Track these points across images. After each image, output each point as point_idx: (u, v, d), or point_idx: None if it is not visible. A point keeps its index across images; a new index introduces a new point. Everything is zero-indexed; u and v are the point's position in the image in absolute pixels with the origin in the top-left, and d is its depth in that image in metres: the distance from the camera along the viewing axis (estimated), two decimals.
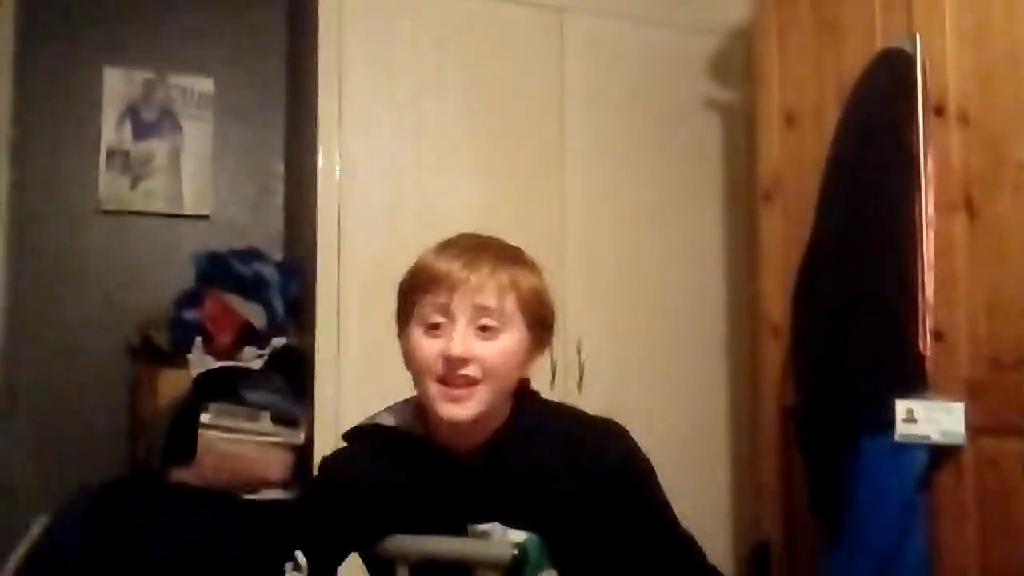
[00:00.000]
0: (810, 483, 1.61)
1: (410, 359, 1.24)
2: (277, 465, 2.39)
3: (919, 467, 1.45)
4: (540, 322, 1.25)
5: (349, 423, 2.32)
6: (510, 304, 1.21)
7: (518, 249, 1.29)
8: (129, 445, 2.72)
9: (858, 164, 1.53)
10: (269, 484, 2.37)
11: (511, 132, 2.58)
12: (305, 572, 1.21)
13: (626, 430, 1.30)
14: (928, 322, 1.48)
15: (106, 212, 2.80)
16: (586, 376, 2.52)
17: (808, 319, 1.56)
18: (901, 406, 1.43)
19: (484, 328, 1.20)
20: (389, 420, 1.32)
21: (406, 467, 1.26)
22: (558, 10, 2.63)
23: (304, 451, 2.41)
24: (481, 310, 1.19)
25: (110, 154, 2.81)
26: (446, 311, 1.19)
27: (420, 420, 1.27)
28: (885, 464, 1.42)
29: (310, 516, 1.29)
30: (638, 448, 1.29)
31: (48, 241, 2.75)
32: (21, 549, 2.27)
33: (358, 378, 2.40)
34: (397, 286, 1.28)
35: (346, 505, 1.26)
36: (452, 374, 1.18)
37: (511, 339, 1.21)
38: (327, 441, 2.34)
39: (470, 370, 1.19)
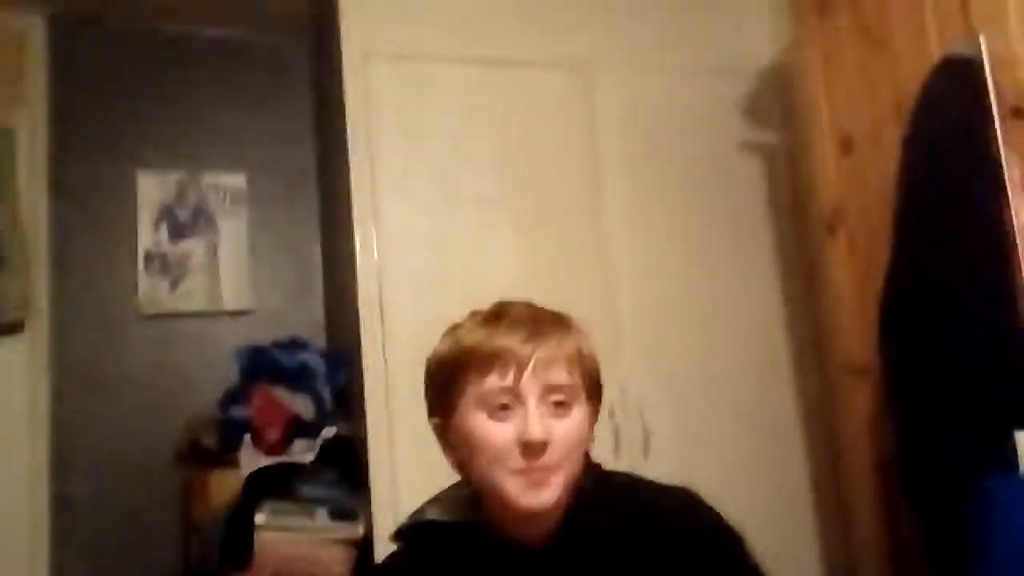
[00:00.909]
0: (925, 533, 1.45)
1: (475, 449, 1.12)
2: (337, 561, 2.27)
3: None
4: (596, 389, 1.17)
5: (408, 510, 2.27)
6: (577, 377, 1.12)
7: (567, 315, 1.19)
8: (183, 550, 2.63)
9: (935, 181, 1.42)
10: None
11: (549, 193, 2.52)
12: None
13: (700, 496, 1.19)
14: None
15: (147, 316, 2.77)
16: (652, 441, 2.39)
17: (899, 356, 1.43)
18: (1022, 437, 1.29)
19: (557, 404, 1.10)
20: (439, 514, 1.21)
21: (469, 563, 1.15)
22: (585, 67, 2.58)
23: (364, 544, 2.29)
24: (552, 388, 1.10)
25: (148, 258, 2.80)
26: (514, 392, 1.09)
27: (475, 509, 1.16)
28: (1013, 501, 1.27)
29: None
30: (718, 514, 1.18)
31: (90, 348, 2.73)
32: None
33: (413, 464, 2.28)
34: (429, 366, 1.19)
35: None
36: (532, 462, 1.08)
37: (581, 412, 1.12)
38: (387, 532, 2.21)
39: (552, 455, 1.08)
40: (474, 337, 1.13)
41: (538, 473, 1.07)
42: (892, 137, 1.61)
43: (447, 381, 1.15)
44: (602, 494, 1.16)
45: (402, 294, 2.37)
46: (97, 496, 2.64)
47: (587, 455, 1.22)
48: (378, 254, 2.38)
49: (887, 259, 1.51)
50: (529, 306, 1.17)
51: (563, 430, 1.09)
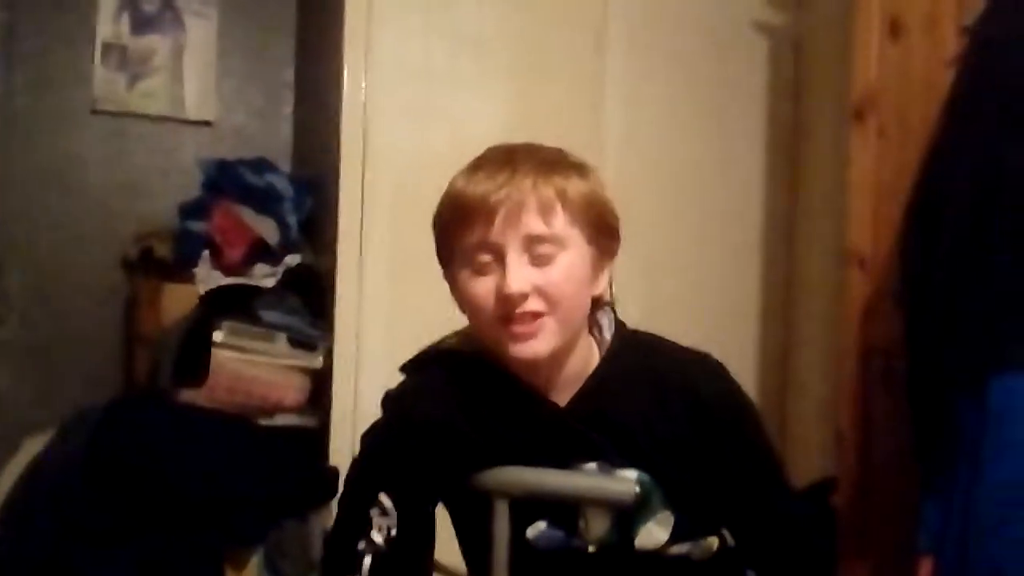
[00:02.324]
0: (915, 425, 1.51)
1: (464, 304, 1.11)
2: (293, 389, 2.24)
3: None
4: (601, 231, 1.11)
5: (371, 347, 2.24)
6: (560, 221, 1.06)
7: (558, 151, 1.13)
8: (125, 361, 2.56)
9: (1000, 77, 1.38)
10: (284, 409, 2.23)
11: (549, 41, 2.40)
12: (393, 516, 1.08)
13: (722, 365, 1.18)
14: None
15: (102, 112, 2.58)
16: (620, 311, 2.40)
17: (925, 247, 1.44)
18: None
19: (539, 255, 1.06)
20: (460, 348, 1.18)
21: (487, 401, 1.12)
22: None
23: (321, 376, 2.26)
24: (530, 238, 1.05)
25: (106, 49, 2.57)
26: (491, 246, 1.06)
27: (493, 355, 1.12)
28: (1015, 403, 1.32)
29: (386, 457, 1.14)
30: (736, 385, 1.18)
31: (39, 141, 2.53)
32: (15, 467, 2.11)
33: (382, 300, 2.24)
34: (432, 220, 1.14)
35: (424, 442, 1.12)
36: (512, 313, 1.05)
37: (571, 259, 1.07)
38: (346, 366, 2.20)
39: (532, 304, 1.05)
40: (455, 188, 1.10)
41: (523, 324, 1.05)
42: (949, 25, 1.57)
43: (440, 237, 1.13)
44: (625, 358, 1.15)
45: (387, 125, 2.26)
46: (37, 298, 2.52)
47: (610, 306, 1.20)
48: (366, 82, 2.25)
49: (929, 149, 1.49)
50: (513, 148, 1.11)
51: (546, 278, 1.05)
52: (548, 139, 2.30)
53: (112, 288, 2.57)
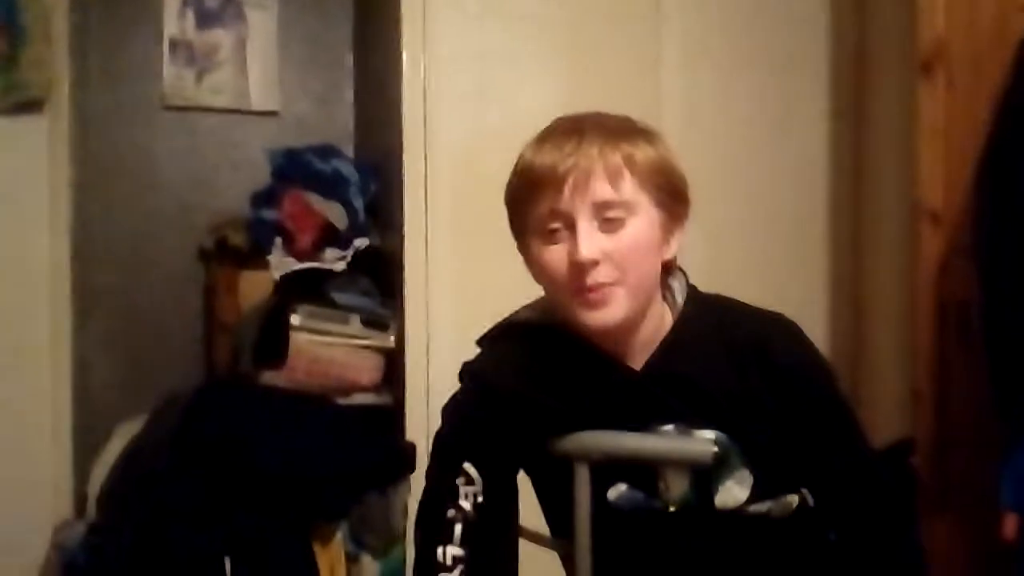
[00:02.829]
0: (993, 379, 1.49)
1: (537, 274, 1.12)
2: (368, 369, 2.30)
3: None
4: (670, 195, 1.11)
5: (440, 325, 2.29)
6: (629, 187, 1.07)
7: (625, 119, 1.13)
8: (206, 348, 2.65)
9: None
10: (360, 388, 2.29)
11: (605, 17, 2.40)
12: (479, 484, 1.11)
13: (796, 325, 1.17)
14: None
15: (172, 107, 2.66)
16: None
17: (1000, 199, 1.42)
18: None
19: (608, 220, 1.06)
20: (535, 316, 1.20)
21: (563, 369, 1.14)
22: None
23: (394, 355, 2.32)
24: (599, 204, 1.05)
25: (173, 45, 2.65)
26: (561, 214, 1.06)
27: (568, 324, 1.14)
28: None
29: (468, 428, 1.17)
30: (810, 345, 1.17)
31: (112, 136, 2.63)
32: (109, 455, 2.22)
33: (449, 278, 2.28)
34: (504, 194, 1.14)
35: (504, 412, 1.15)
36: (583, 281, 1.06)
37: (640, 225, 1.07)
38: (418, 345, 2.25)
39: (603, 272, 1.05)
40: (523, 160, 1.11)
41: (595, 292, 1.06)
42: None
43: (512, 210, 1.14)
44: (700, 320, 1.15)
45: (446, 107, 2.29)
46: (120, 291, 2.62)
47: (681, 271, 1.21)
48: (425, 65, 2.28)
49: (1001, 98, 1.46)
50: (579, 118, 1.11)
51: (616, 244, 1.06)
52: (607, 107, 2.32)
53: (190, 278, 2.65)
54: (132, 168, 2.65)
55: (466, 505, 1.11)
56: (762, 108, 2.51)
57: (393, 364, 2.32)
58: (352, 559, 2.10)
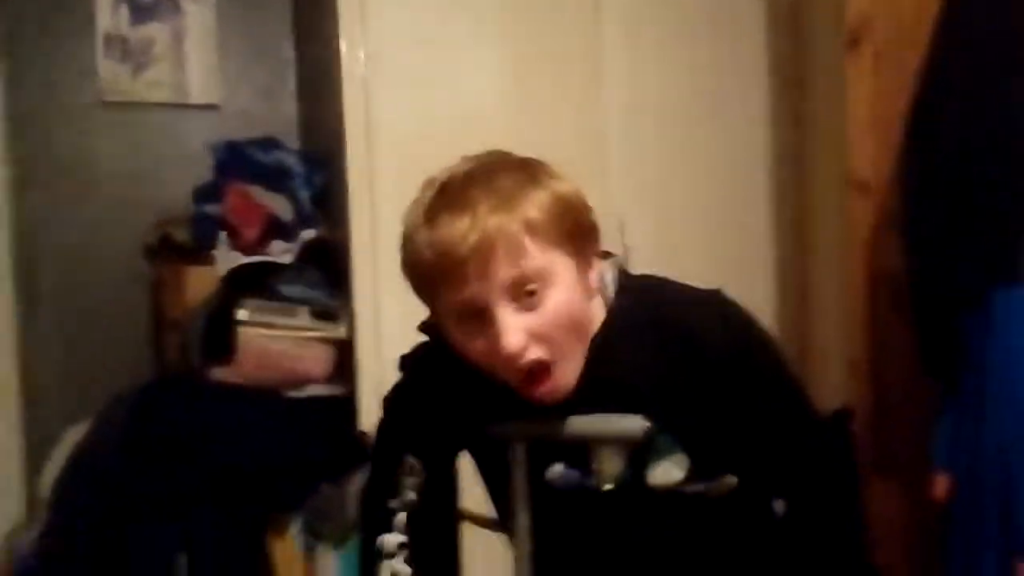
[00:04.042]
0: (923, 348, 1.52)
1: (468, 358, 1.06)
2: (319, 361, 2.30)
3: None
4: (578, 237, 1.05)
5: (390, 315, 2.29)
6: (536, 252, 0.99)
7: (512, 166, 1.04)
8: (153, 346, 2.62)
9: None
10: (312, 380, 2.29)
11: (546, 3, 2.41)
12: (420, 474, 1.12)
13: (735, 305, 1.14)
14: None
15: (110, 104, 2.62)
16: (633, 257, 2.42)
17: (924, 168, 1.45)
18: None
19: (525, 295, 1.00)
20: None
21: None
22: None
23: (345, 346, 2.32)
24: (512, 284, 0.99)
25: (108, 41, 2.61)
26: (472, 303, 0.99)
27: None
28: (1017, 319, 1.34)
29: (407, 416, 1.18)
30: (746, 321, 1.14)
31: (52, 139, 2.58)
32: (59, 457, 2.19)
33: (396, 268, 2.27)
34: (402, 267, 1.07)
35: (441, 399, 1.16)
36: (519, 367, 1.01)
37: (558, 287, 1.02)
38: (368, 335, 2.25)
39: (538, 352, 1.01)
40: (416, 241, 1.02)
41: (533, 373, 1.02)
42: None
43: (413, 285, 1.07)
44: (631, 313, 1.12)
45: (388, 96, 2.28)
46: (64, 291, 2.58)
47: (611, 256, 1.21)
48: (364, 53, 2.27)
49: (921, 70, 1.49)
50: (469, 183, 1.01)
51: (541, 320, 1.00)
52: (546, 101, 2.33)
53: (136, 276, 2.62)
54: (72, 166, 2.61)
55: (409, 495, 1.12)
56: (703, 86, 2.53)
57: (345, 355, 2.32)
58: (309, 550, 2.10)
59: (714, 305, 1.14)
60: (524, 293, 0.99)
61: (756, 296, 2.60)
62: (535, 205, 1.00)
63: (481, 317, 1.00)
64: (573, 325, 1.04)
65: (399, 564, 1.10)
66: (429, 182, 1.06)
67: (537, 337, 1.00)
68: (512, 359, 1.00)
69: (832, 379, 2.24)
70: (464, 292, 0.99)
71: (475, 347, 1.03)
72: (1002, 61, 1.33)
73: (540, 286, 1.00)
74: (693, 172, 2.52)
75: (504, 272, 0.98)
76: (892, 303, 1.68)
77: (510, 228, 0.98)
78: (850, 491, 1.18)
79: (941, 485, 1.45)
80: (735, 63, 2.55)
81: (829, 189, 2.28)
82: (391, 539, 1.11)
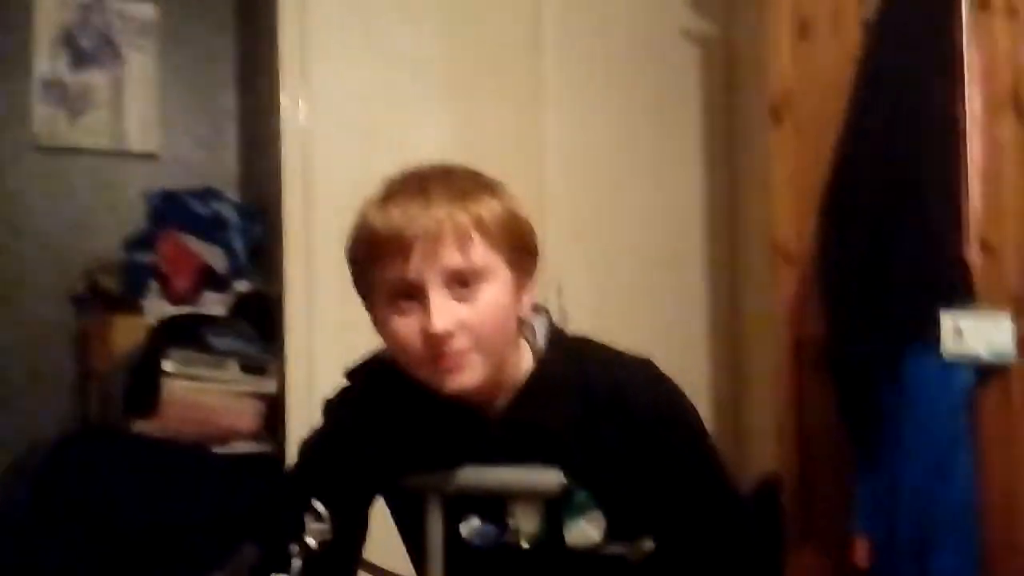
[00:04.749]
0: (841, 408, 1.54)
1: (387, 340, 1.08)
2: (247, 415, 2.25)
3: (965, 386, 1.39)
4: (521, 253, 1.07)
5: (324, 371, 2.25)
6: (480, 250, 1.03)
7: (471, 173, 1.08)
8: (78, 398, 2.54)
9: (894, 68, 1.44)
10: (239, 435, 2.23)
11: (488, 60, 2.45)
12: (327, 522, 1.09)
13: (663, 374, 1.14)
14: (974, 231, 1.41)
15: (44, 149, 2.58)
16: (569, 321, 2.43)
17: (840, 236, 1.49)
18: (947, 320, 1.36)
19: (461, 287, 1.02)
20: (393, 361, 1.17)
21: (419, 413, 1.12)
22: None
23: (275, 401, 2.27)
24: (451, 272, 1.02)
25: (45, 85, 2.58)
26: (410, 283, 1.02)
27: None
28: (931, 382, 1.36)
29: (322, 462, 1.16)
30: (671, 392, 1.14)
31: None
32: None
33: (331, 322, 2.25)
34: (345, 252, 1.08)
35: (358, 449, 1.14)
36: (439, 350, 1.02)
37: (493, 290, 1.04)
38: (299, 390, 2.21)
39: (458, 342, 1.02)
40: (367, 220, 1.05)
41: (450, 359, 1.03)
42: (852, 22, 1.62)
43: (354, 268, 1.08)
44: (559, 367, 1.12)
45: (329, 151, 2.28)
46: None
47: (545, 311, 1.21)
48: (305, 106, 2.28)
49: (836, 142, 1.54)
50: (424, 174, 1.06)
51: (471, 313, 1.02)
52: (490, 153, 2.36)
53: (63, 325, 2.56)
54: (2, 212, 2.55)
55: (311, 542, 1.08)
56: (642, 146, 2.59)
57: (273, 411, 2.27)
58: None
59: (644, 370, 1.14)
60: (462, 284, 1.03)
61: (690, 362, 2.65)
62: (488, 208, 1.05)
63: (416, 298, 1.02)
64: (499, 328, 1.06)
65: None
66: (391, 177, 1.10)
67: (465, 327, 1.02)
68: (437, 341, 1.02)
69: (763, 445, 2.26)
70: (406, 270, 1.01)
71: (403, 325, 1.03)
72: (913, 134, 1.38)
73: (478, 282, 1.03)
74: (629, 237, 2.57)
75: (448, 259, 1.01)
76: (815, 369, 1.70)
77: (461, 220, 1.02)
78: (759, 569, 1.16)
79: (861, 549, 1.46)
80: (671, 128, 2.62)
81: (758, 256, 2.33)
82: None
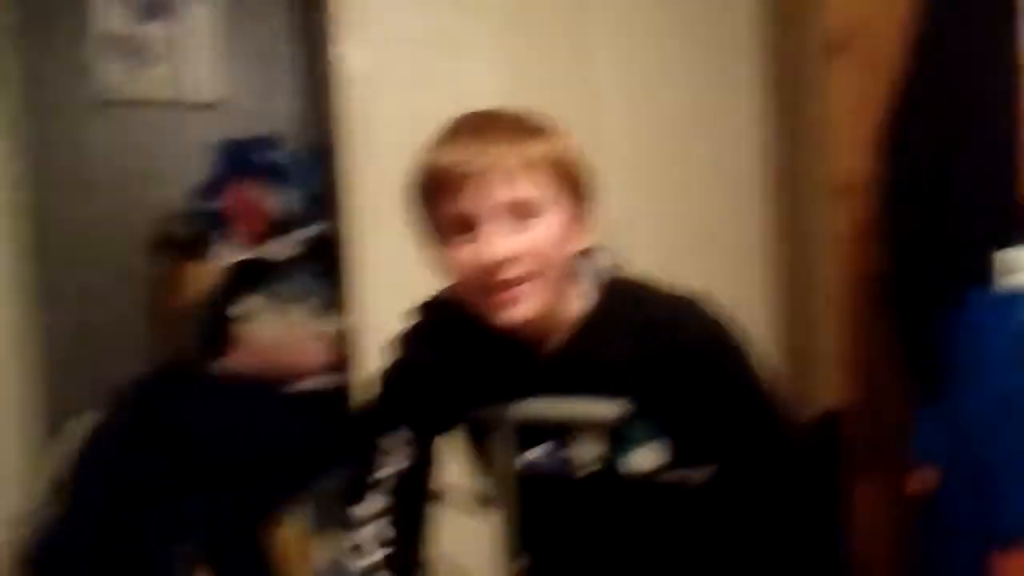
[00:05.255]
0: (904, 347, 1.56)
1: (447, 273, 1.14)
2: (317, 353, 2.34)
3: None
4: (575, 190, 1.13)
5: (388, 310, 2.30)
6: (535, 185, 1.08)
7: (527, 114, 1.14)
8: (153, 342, 2.66)
9: (957, 5, 1.42)
10: (310, 374, 2.33)
11: (542, 1, 2.45)
12: (405, 448, 1.17)
13: (708, 307, 1.17)
14: None
15: (108, 103, 2.66)
16: (629, 262, 2.46)
17: (901, 173, 1.49)
18: (1005, 256, 1.37)
19: (517, 220, 1.07)
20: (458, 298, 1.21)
21: (478, 349, 1.18)
22: None
23: (343, 339, 2.35)
24: (508, 205, 1.07)
25: (108, 39, 2.64)
26: (469, 216, 1.07)
27: None
28: (988, 318, 1.37)
29: (402, 392, 1.23)
30: (724, 331, 1.17)
31: (52, 137, 2.62)
32: (61, 449, 2.23)
33: (394, 263, 2.30)
34: (406, 194, 1.14)
35: (433, 379, 1.21)
36: (495, 280, 1.07)
37: (548, 221, 1.09)
38: (367, 329, 2.29)
39: (515, 270, 1.07)
40: (429, 159, 1.11)
41: (507, 291, 1.08)
42: None
43: (415, 207, 1.14)
44: (612, 306, 1.17)
45: (386, 94, 2.32)
46: (68, 287, 2.61)
47: (603, 252, 1.25)
48: (362, 52, 2.31)
49: (897, 77, 1.53)
50: (485, 115, 1.12)
51: (526, 243, 1.07)
52: (546, 96, 2.36)
53: (138, 272, 2.66)
54: (74, 166, 2.65)
55: (391, 469, 1.16)
56: (696, 81, 2.57)
57: (342, 349, 2.36)
58: (315, 536, 2.14)
59: (693, 307, 1.18)
60: (516, 217, 1.07)
61: (751, 301, 2.66)
62: (542, 146, 1.10)
63: (473, 232, 1.08)
64: (552, 260, 1.10)
65: (371, 532, 1.14)
66: (449, 120, 1.15)
67: (519, 257, 1.07)
68: (493, 270, 1.07)
69: (824, 380, 2.28)
70: (465, 204, 1.06)
71: (462, 257, 1.09)
72: (976, 66, 1.37)
73: (532, 215, 1.08)
74: (687, 177, 2.57)
75: (505, 192, 1.06)
76: (876, 303, 1.71)
77: (515, 157, 1.07)
78: (805, 500, 1.19)
79: (921, 480, 1.49)
80: (726, 61, 2.59)
81: (817, 193, 2.32)
82: (370, 505, 1.15)
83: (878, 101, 1.64)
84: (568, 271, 1.15)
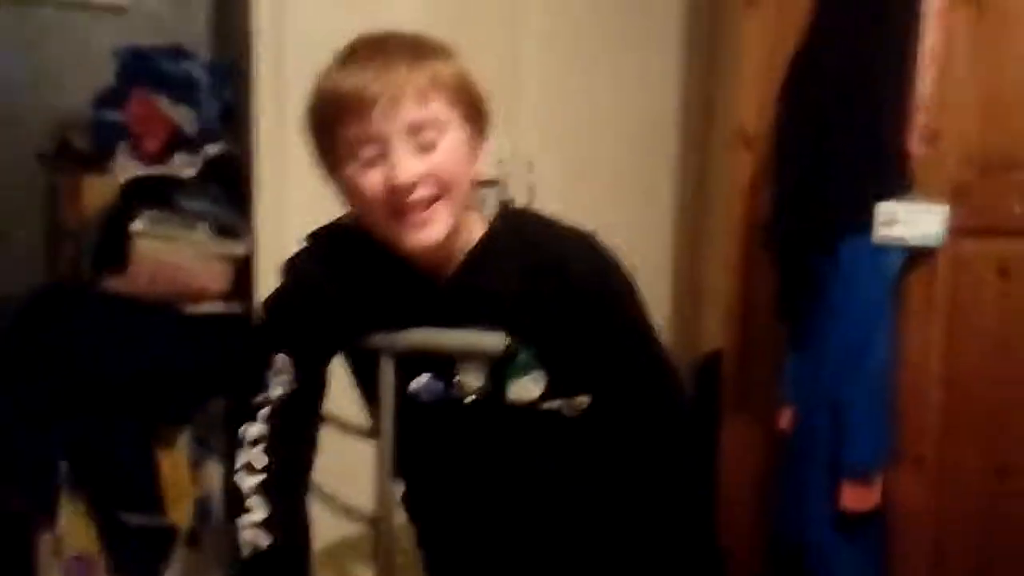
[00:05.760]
0: (779, 291, 1.61)
1: (353, 201, 1.13)
2: (216, 276, 2.28)
3: (894, 269, 1.47)
4: (475, 111, 1.14)
5: (292, 235, 2.25)
6: (438, 105, 1.08)
7: (423, 38, 1.13)
8: (48, 256, 2.57)
9: None
10: (208, 296, 2.28)
11: None
12: (290, 374, 1.16)
13: (600, 244, 1.20)
14: (920, 121, 1.45)
15: (5, 2, 2.51)
16: (537, 196, 2.46)
17: (792, 121, 1.52)
18: (883, 208, 1.42)
19: (422, 141, 1.08)
20: (352, 221, 1.21)
21: (371, 274, 1.18)
22: None
23: (245, 263, 2.31)
24: (412, 126, 1.07)
25: None
26: (373, 138, 1.07)
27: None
28: (861, 266, 1.42)
29: (283, 319, 1.21)
30: (612, 264, 1.19)
31: None
32: None
33: (302, 185, 2.22)
34: (305, 120, 1.13)
35: (316, 306, 1.20)
36: (403, 203, 1.07)
37: (453, 140, 1.10)
38: (269, 254, 2.24)
39: (423, 190, 1.08)
40: (328, 84, 1.09)
41: (416, 212, 1.08)
42: None
43: (315, 132, 1.13)
44: (504, 235, 1.18)
45: (300, 10, 2.25)
46: None
47: (496, 184, 1.25)
48: None
49: (804, 31, 1.55)
50: (379, 38, 1.11)
51: (433, 163, 1.08)
52: (465, 26, 2.33)
53: (31, 182, 2.55)
54: None
55: (277, 390, 1.16)
56: (617, 22, 2.56)
57: (243, 273, 2.31)
58: (197, 463, 2.12)
59: (584, 242, 1.20)
60: (422, 137, 1.08)
61: (654, 243, 2.70)
62: (444, 68, 1.10)
63: (379, 155, 1.07)
64: (459, 176, 1.11)
65: (257, 453, 1.14)
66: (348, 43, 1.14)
67: (427, 176, 1.08)
68: (402, 192, 1.07)
69: (716, 322, 2.34)
70: (368, 127, 1.06)
71: (367, 182, 1.08)
72: (875, 23, 1.39)
73: (437, 135, 1.09)
74: (602, 116, 2.57)
75: (409, 113, 1.06)
76: (762, 250, 1.76)
77: (420, 77, 1.07)
78: (683, 436, 1.21)
79: (785, 418, 1.55)
80: (650, 14, 2.58)
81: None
82: (252, 429, 1.16)
83: (786, 55, 1.66)
84: (468, 199, 1.16)
